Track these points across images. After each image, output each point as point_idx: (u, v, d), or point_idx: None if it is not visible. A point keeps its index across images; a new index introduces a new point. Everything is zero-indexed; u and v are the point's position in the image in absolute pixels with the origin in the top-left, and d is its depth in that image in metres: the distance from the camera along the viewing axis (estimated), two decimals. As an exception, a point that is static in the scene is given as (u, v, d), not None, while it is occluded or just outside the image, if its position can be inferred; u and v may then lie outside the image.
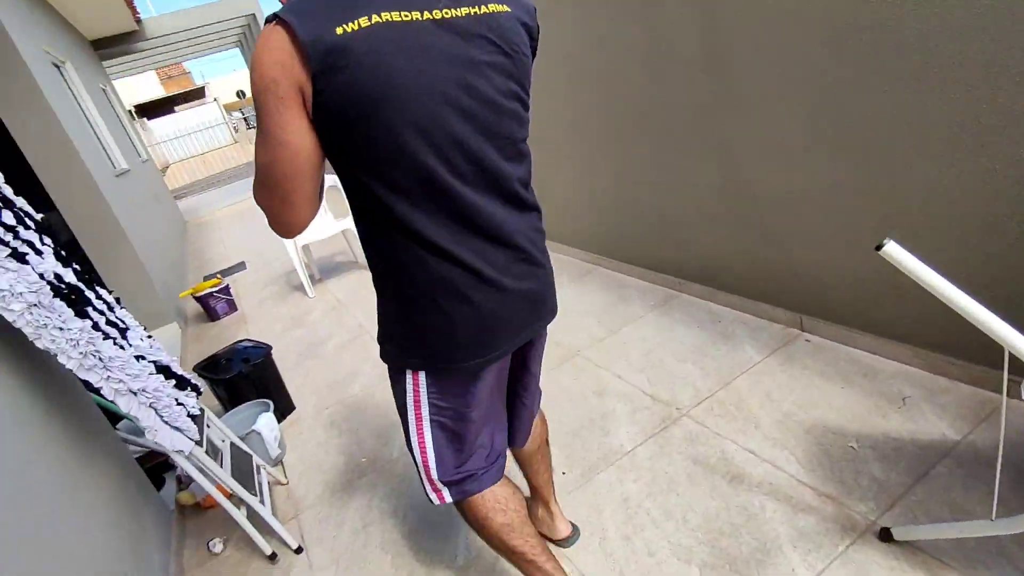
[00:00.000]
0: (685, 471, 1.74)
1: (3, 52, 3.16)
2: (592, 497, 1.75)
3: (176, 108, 24.95)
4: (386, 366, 1.13)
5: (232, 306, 4.37)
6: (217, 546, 1.95)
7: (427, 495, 1.18)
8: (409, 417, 1.11)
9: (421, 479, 1.18)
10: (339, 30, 0.76)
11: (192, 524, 2.12)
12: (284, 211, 0.90)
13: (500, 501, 1.21)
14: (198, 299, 4.26)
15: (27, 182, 3.44)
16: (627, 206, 2.91)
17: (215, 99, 24.73)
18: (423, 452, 1.13)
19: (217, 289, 4.27)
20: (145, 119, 19.03)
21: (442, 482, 1.16)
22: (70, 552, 1.37)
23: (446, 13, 0.83)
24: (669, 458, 1.81)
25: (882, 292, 1.89)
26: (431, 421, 1.10)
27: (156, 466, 2.26)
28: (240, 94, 24.56)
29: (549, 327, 1.19)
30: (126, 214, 4.03)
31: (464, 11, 0.85)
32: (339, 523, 1.94)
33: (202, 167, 15.11)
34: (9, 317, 1.34)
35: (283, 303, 4.26)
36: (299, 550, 1.86)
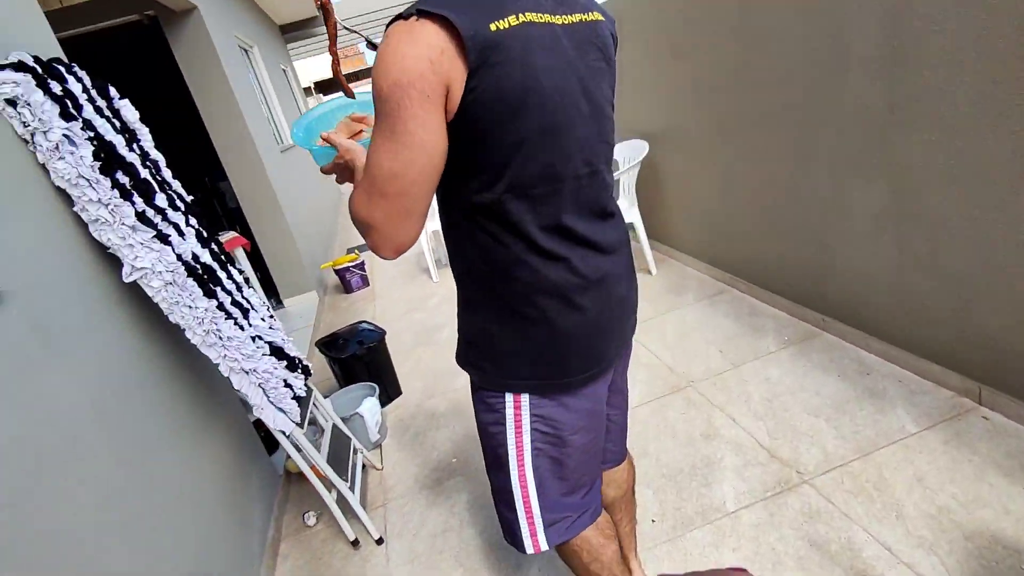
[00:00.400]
0: (797, 552, 1.50)
1: (200, 41, 3.58)
2: (681, 556, 1.57)
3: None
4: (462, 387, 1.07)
5: (365, 281, 4.65)
6: (311, 519, 2.07)
7: (520, 542, 1.07)
8: (508, 448, 1.01)
9: (516, 522, 1.06)
10: (493, 26, 0.74)
11: (296, 491, 2.27)
12: (400, 225, 0.82)
13: (605, 528, 1.14)
14: (337, 272, 4.60)
15: (209, 154, 3.91)
16: (770, 223, 2.58)
17: (382, 79, 26.60)
18: (523, 486, 1.03)
19: (354, 264, 4.57)
20: (321, 95, 21.04)
21: (543, 520, 1.05)
22: (180, 504, 1.50)
23: (566, 19, 0.84)
24: (779, 531, 1.57)
25: (1104, 377, 1.46)
26: (533, 449, 1.01)
27: (273, 430, 2.45)
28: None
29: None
30: (284, 188, 4.43)
31: (577, 18, 0.86)
32: (421, 522, 1.95)
33: (363, 142, 16.37)
34: (149, 292, 1.49)
35: (409, 284, 4.45)
36: (380, 541, 1.90)
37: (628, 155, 3.39)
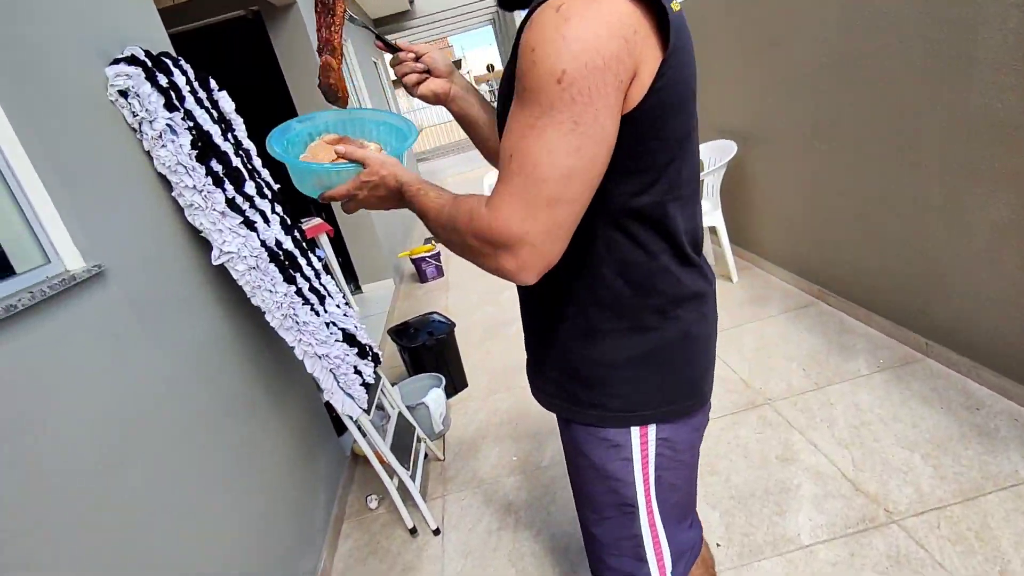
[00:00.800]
0: (879, 599, 1.37)
1: (297, 34, 3.76)
2: (747, 587, 1.48)
3: (436, 78, 27.83)
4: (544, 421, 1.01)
5: (440, 271, 4.74)
6: (373, 502, 2.13)
7: None
8: (636, 486, 0.86)
9: (648, 574, 0.92)
10: (674, 6, 0.66)
11: (361, 473, 2.34)
12: (559, 239, 0.67)
13: (711, 567, 1.12)
14: (413, 261, 4.71)
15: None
16: (869, 233, 2.37)
17: (468, 71, 27.07)
18: (652, 525, 0.89)
19: (430, 255, 4.66)
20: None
21: (671, 557, 0.92)
22: (250, 477, 1.58)
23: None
24: (860, 574, 1.44)
25: None
26: (656, 478, 0.87)
27: (343, 412, 2.54)
28: (490, 67, 26.46)
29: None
30: (368, 177, 4.58)
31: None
32: (478, 517, 1.96)
33: (446, 133, 16.63)
34: (235, 275, 1.57)
35: (483, 276, 4.47)
36: (437, 531, 1.93)
37: (714, 156, 3.22)
